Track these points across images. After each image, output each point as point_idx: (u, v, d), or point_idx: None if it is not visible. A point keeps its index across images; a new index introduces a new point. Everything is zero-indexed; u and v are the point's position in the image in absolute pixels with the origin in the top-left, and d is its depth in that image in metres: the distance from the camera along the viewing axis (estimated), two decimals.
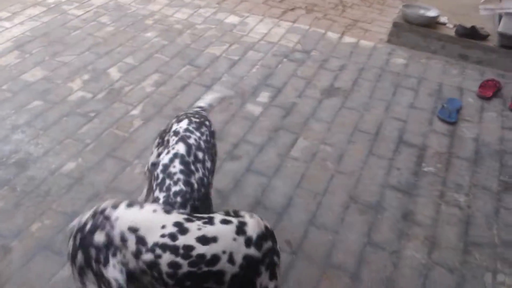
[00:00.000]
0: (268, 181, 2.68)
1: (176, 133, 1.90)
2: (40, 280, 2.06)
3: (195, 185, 1.75)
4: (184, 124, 1.93)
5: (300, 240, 2.34)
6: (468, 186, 2.73)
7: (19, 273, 2.08)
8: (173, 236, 1.40)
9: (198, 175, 1.78)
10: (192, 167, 1.79)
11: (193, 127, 1.92)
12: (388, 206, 2.57)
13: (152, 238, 1.40)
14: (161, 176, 1.77)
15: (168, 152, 1.83)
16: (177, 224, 1.43)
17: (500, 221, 2.53)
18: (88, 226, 1.44)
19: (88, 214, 1.50)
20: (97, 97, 3.21)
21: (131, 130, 2.96)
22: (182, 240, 1.40)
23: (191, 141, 1.86)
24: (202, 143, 1.88)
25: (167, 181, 1.74)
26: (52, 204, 2.42)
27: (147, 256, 1.39)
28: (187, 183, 1.73)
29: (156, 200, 1.72)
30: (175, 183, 1.73)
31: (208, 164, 1.87)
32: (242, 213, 1.54)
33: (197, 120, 1.97)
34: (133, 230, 1.41)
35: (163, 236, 1.40)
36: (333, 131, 3.10)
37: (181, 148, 1.82)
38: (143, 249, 1.39)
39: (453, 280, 2.20)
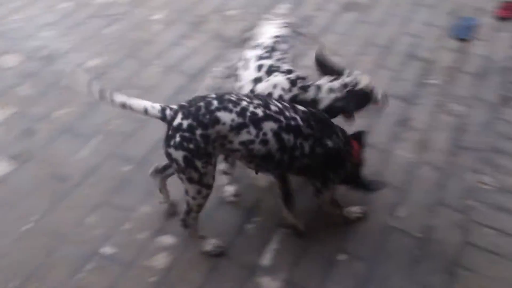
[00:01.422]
0: None
1: None
2: (62, 158, 2.32)
3: None
4: None
5: None
6: (468, 98, 2.83)
7: (43, 151, 2.34)
8: None
9: None
10: None
11: None
12: (387, 112, 2.69)
13: None
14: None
15: None
16: None
17: (492, 129, 2.65)
18: None
19: None
20: (121, 0, 3.37)
21: (152, 33, 3.13)
22: None
23: None
24: None
25: None
26: (75, 94, 2.66)
27: None
28: None
29: None
30: None
31: None
32: None
33: None
34: None
35: None
36: (346, 43, 3.19)
37: None
38: None
39: (437, 177, 2.37)
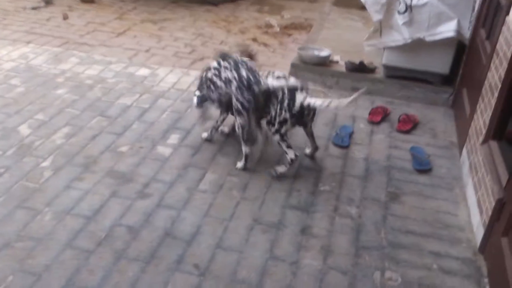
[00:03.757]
0: (178, 213, 2.83)
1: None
2: None
3: None
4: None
5: (207, 262, 2.50)
6: (359, 199, 3.03)
7: None
8: None
9: None
10: None
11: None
12: (288, 223, 2.79)
13: None
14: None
15: None
16: None
17: (387, 226, 2.83)
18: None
19: None
20: (6, 153, 3.27)
21: (41, 180, 3.03)
22: None
23: None
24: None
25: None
26: None
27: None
28: None
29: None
30: None
31: None
32: None
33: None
34: None
35: None
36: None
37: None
38: None
39: (346, 281, 2.43)
